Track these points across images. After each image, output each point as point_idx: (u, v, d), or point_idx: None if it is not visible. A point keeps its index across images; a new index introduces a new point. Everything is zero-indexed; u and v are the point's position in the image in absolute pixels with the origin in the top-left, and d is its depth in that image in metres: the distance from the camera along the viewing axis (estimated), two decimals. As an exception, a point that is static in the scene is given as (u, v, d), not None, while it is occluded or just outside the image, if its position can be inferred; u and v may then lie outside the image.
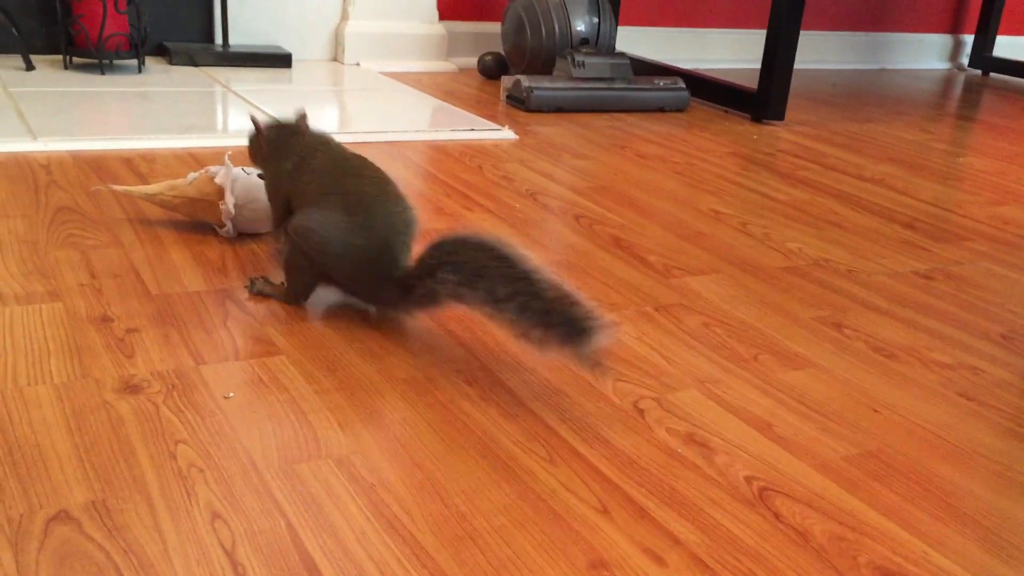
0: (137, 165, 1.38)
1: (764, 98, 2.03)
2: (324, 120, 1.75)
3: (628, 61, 2.08)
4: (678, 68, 2.32)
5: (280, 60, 2.15)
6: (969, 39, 3.28)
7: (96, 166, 1.35)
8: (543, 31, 2.14)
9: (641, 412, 0.84)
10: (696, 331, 1.01)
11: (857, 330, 1.05)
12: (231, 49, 2.13)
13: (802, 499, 0.73)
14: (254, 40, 2.22)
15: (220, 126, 1.63)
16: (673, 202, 1.45)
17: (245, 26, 2.20)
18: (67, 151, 1.41)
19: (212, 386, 0.81)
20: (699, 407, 0.85)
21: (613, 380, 0.89)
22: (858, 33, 3.07)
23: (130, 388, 0.79)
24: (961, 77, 3.13)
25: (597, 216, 1.35)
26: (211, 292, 0.99)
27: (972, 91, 2.89)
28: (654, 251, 1.23)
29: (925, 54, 3.23)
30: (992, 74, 3.18)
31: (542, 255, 1.18)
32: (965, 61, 3.29)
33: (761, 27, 2.84)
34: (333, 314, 0.97)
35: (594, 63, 2.04)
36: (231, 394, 0.80)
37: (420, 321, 0.97)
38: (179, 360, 0.85)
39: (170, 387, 0.80)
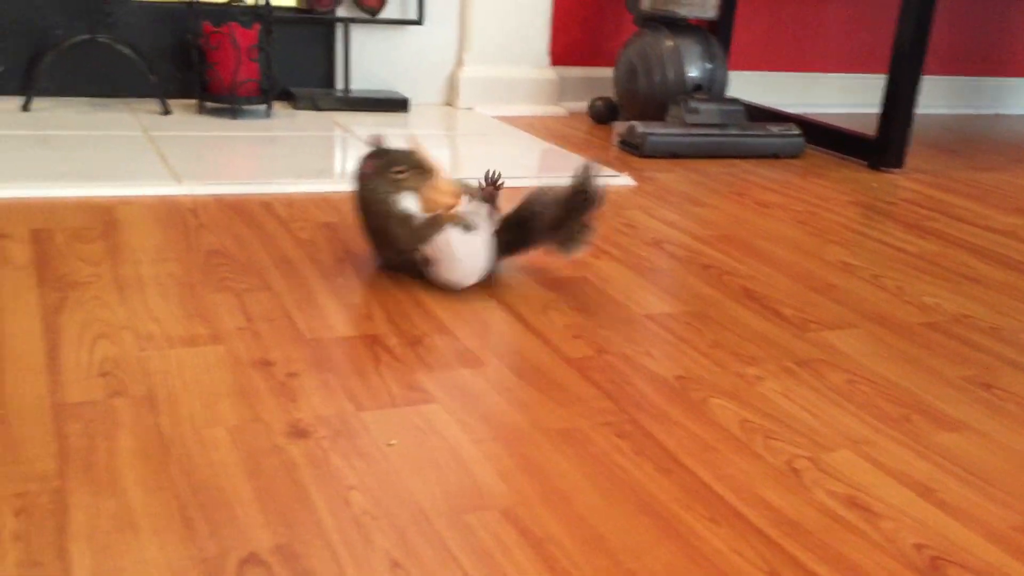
0: (276, 209, 1.43)
1: (883, 145, 2.00)
2: (443, 164, 1.79)
3: (742, 107, 2.08)
4: (792, 114, 2.30)
5: (398, 104, 2.21)
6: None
7: (238, 209, 1.41)
8: (656, 77, 2.15)
9: (796, 472, 0.83)
10: (841, 388, 1.00)
11: (1008, 391, 1.02)
12: (351, 94, 2.20)
13: (977, 570, 0.71)
14: (373, 85, 2.29)
15: (347, 170, 1.68)
16: (799, 252, 1.44)
17: (364, 71, 2.28)
18: (210, 195, 1.47)
19: (374, 432, 0.83)
20: (855, 469, 0.84)
21: (764, 437, 0.88)
22: (971, 77, 3.01)
23: (298, 432, 0.82)
24: (1080, 122, 3.03)
25: (725, 266, 1.35)
26: (360, 338, 1.02)
27: (1094, 137, 2.80)
28: (787, 303, 1.22)
29: (1042, 98, 3.14)
30: (1114, 119, 3.07)
31: (674, 305, 1.19)
32: (1084, 105, 3.19)
33: (871, 71, 2.81)
34: (477, 362, 0.99)
35: (708, 109, 2.04)
36: (394, 441, 0.82)
37: (564, 371, 0.98)
38: (340, 405, 0.87)
39: (335, 432, 0.83)
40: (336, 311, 1.08)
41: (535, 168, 1.80)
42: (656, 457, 0.83)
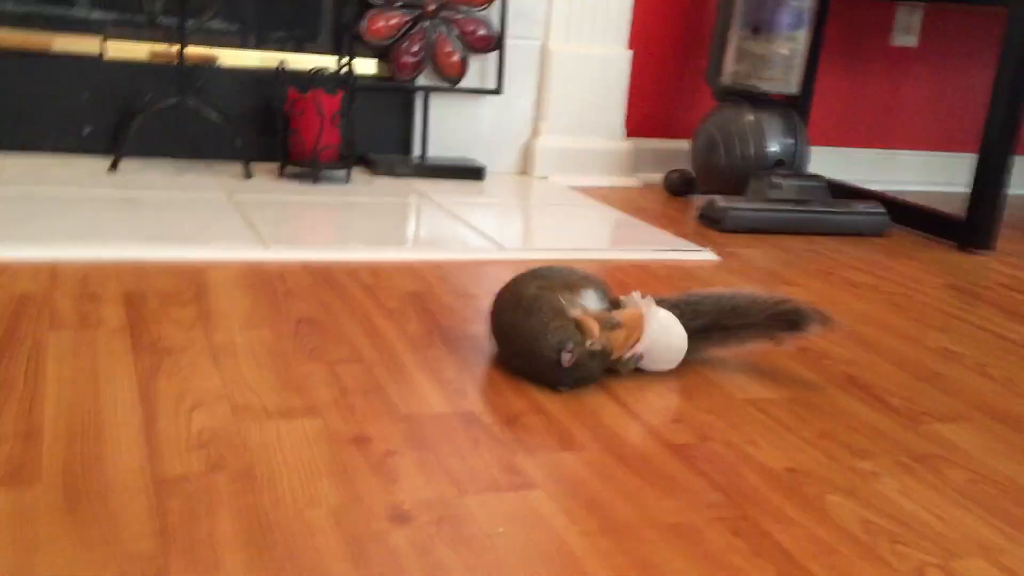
0: (362, 277, 1.42)
1: (973, 226, 1.95)
2: (515, 234, 1.77)
3: (824, 183, 2.04)
4: (874, 191, 2.26)
5: (473, 172, 2.21)
6: None
7: (325, 277, 1.41)
8: (736, 151, 2.13)
9: (929, 581, 0.77)
10: (963, 488, 0.94)
11: None
12: (428, 161, 2.21)
13: None
14: (449, 152, 2.31)
15: (432, 237, 1.67)
16: (898, 337, 1.39)
17: (441, 139, 2.29)
18: (297, 260, 1.47)
19: (479, 519, 0.80)
20: (993, 580, 0.78)
21: (889, 541, 0.83)
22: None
23: (401, 516, 0.79)
24: None
25: (822, 350, 1.30)
26: (456, 415, 0.99)
27: None
28: (894, 392, 1.17)
29: None
30: None
31: (775, 391, 1.14)
32: None
33: (951, 149, 2.76)
34: (577, 445, 0.95)
35: (790, 185, 2.01)
36: (501, 530, 0.79)
37: (667, 458, 0.94)
38: (441, 488, 0.84)
39: (439, 518, 0.79)
40: (429, 386, 1.06)
41: (611, 239, 1.78)
42: (776, 559, 0.78)
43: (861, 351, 1.31)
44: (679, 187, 2.32)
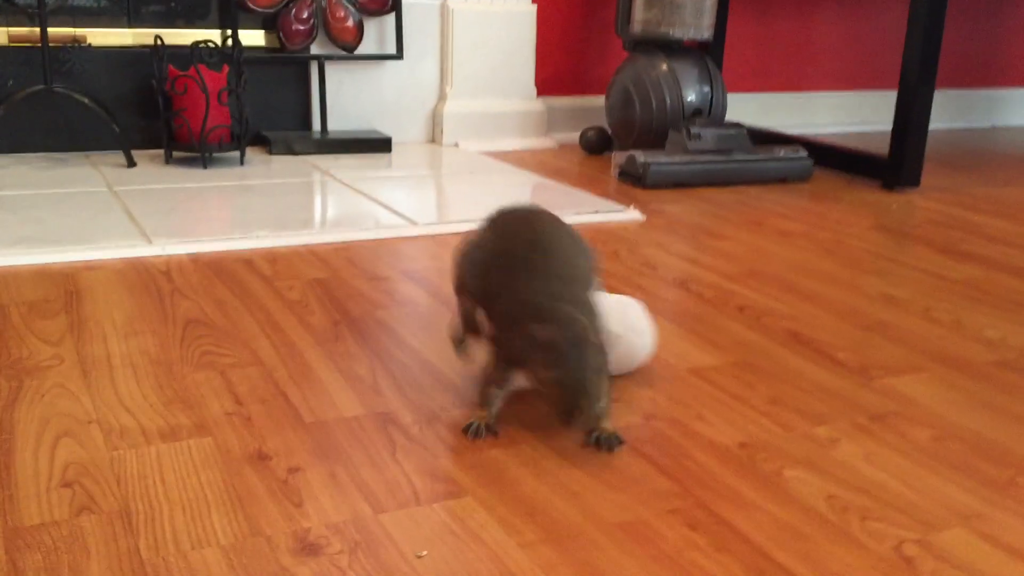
0: (259, 267, 1.29)
1: (898, 164, 1.90)
2: (428, 208, 1.66)
3: (745, 131, 1.96)
4: (796, 136, 2.20)
5: (379, 144, 2.08)
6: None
7: (218, 269, 1.27)
8: (653, 104, 2.04)
9: (909, 561, 0.69)
10: (929, 448, 0.86)
11: (1113, 439, 0.89)
12: (330, 136, 2.07)
13: None
14: (352, 125, 2.16)
15: (332, 218, 1.54)
16: (836, 286, 1.32)
17: (343, 111, 2.14)
18: (185, 254, 1.33)
19: (399, 541, 0.69)
20: (977, 554, 0.71)
21: (859, 518, 0.75)
22: (965, 90, 2.93)
23: (308, 548, 0.67)
24: (1076, 130, 2.96)
25: (761, 306, 1.22)
26: (370, 417, 0.88)
27: (1095, 145, 2.72)
28: (840, 346, 1.10)
29: (1036, 108, 3.07)
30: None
31: (717, 356, 1.05)
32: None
33: (871, 87, 2.72)
34: (508, 439, 0.84)
35: (711, 135, 1.93)
36: (424, 552, 0.68)
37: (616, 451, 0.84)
38: (354, 507, 0.73)
39: (353, 545, 0.68)
40: (338, 385, 0.94)
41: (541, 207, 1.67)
42: (740, 552, 0.69)
43: (801, 304, 1.24)
44: (596, 145, 2.22)
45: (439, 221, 1.55)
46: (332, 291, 1.20)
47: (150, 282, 1.21)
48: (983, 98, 2.97)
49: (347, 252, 1.38)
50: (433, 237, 1.48)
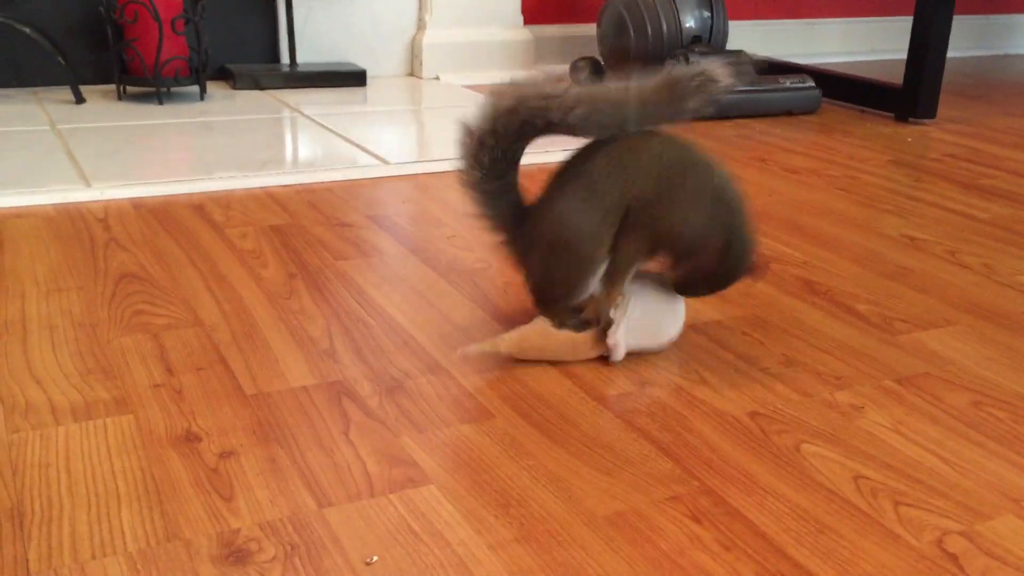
0: (210, 212, 1.16)
1: (913, 94, 1.76)
2: (403, 146, 1.52)
3: (748, 59, 1.82)
4: (803, 65, 2.05)
5: (353, 78, 1.93)
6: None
7: (162, 216, 1.13)
8: (649, 30, 1.88)
9: (954, 558, 0.58)
10: (968, 415, 0.75)
11: None
12: (299, 69, 1.91)
13: None
14: (324, 57, 2.00)
15: (297, 159, 1.40)
16: (852, 228, 1.19)
17: (313, 42, 1.99)
18: (127, 198, 1.19)
19: (346, 544, 0.57)
20: (1036, 548, 0.59)
21: (892, 503, 0.63)
22: (976, 16, 2.76)
23: (235, 555, 0.56)
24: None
25: (772, 251, 1.10)
26: (322, 387, 0.76)
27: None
28: (860, 297, 0.98)
29: (1052, 35, 2.90)
30: None
31: (723, 310, 0.93)
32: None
33: (880, 14, 2.56)
34: (482, 412, 0.73)
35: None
36: (374, 558, 0.56)
37: (600, 417, 0.72)
38: (295, 501, 0.61)
39: (289, 549, 0.57)
40: (287, 349, 0.82)
41: (519, 143, 1.53)
42: (755, 551, 0.58)
43: (814, 249, 1.11)
44: (588, 77, 2.07)
45: (414, 160, 1.41)
46: (289, 239, 1.08)
47: (84, 231, 1.08)
48: (995, 24, 2.81)
49: (310, 195, 1.24)
50: (407, 178, 1.35)
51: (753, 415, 0.74)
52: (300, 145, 1.49)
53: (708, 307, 0.94)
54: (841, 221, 1.21)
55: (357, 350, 0.82)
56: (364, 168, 1.36)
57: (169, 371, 0.77)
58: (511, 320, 0.88)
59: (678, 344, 0.85)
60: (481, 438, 0.69)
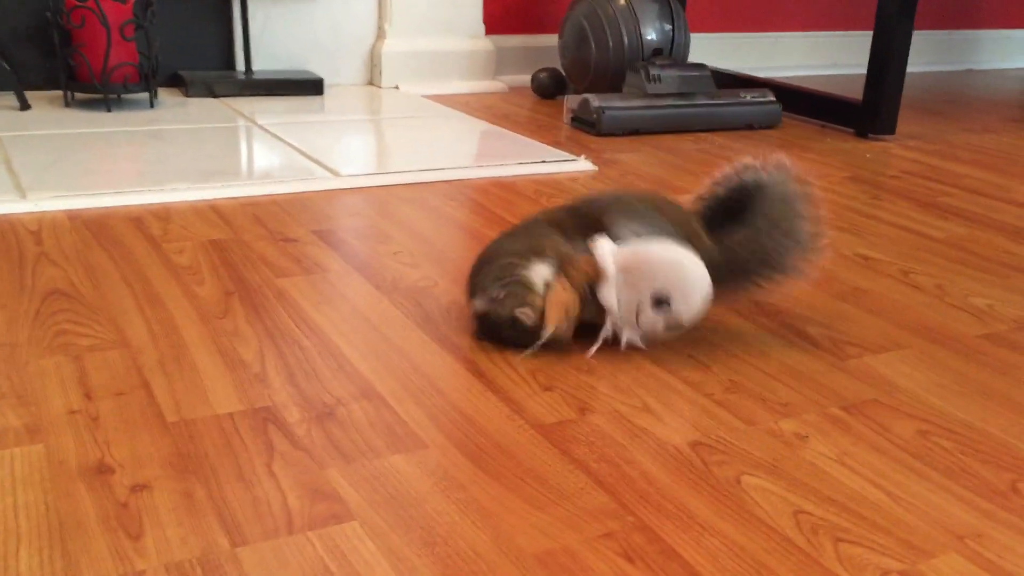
0: (148, 225, 1.12)
1: (873, 110, 1.75)
2: (357, 157, 1.49)
3: (709, 73, 1.81)
4: (764, 79, 2.04)
5: (310, 86, 1.89)
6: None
7: (98, 230, 1.10)
8: (610, 42, 1.87)
9: (894, 601, 0.56)
10: (914, 445, 0.73)
11: (1124, 431, 0.77)
12: (255, 76, 1.88)
13: None
14: (281, 65, 1.97)
15: (248, 169, 1.37)
16: (807, 246, 1.18)
17: (270, 49, 1.95)
18: (64, 210, 1.15)
19: (258, 587, 0.54)
20: (977, 588, 0.58)
21: (833, 540, 0.61)
22: (939, 31, 2.78)
23: (136, 600, 0.53)
24: (1053, 75, 2.84)
25: (722, 270, 1.08)
26: (248, 413, 0.72)
27: (1073, 91, 2.60)
28: (810, 318, 0.96)
29: (1013, 52, 2.93)
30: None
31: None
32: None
33: (840, 28, 2.57)
34: (415, 441, 0.70)
35: (672, 76, 1.77)
36: (287, 603, 0.53)
37: (536, 447, 0.70)
38: (207, 539, 0.58)
39: (196, 595, 0.53)
40: (216, 373, 0.78)
41: (471, 155, 1.51)
42: (687, 592, 0.56)
43: (767, 268, 1.10)
44: (549, 88, 2.05)
45: (368, 172, 1.39)
46: (229, 255, 1.04)
47: (14, 245, 1.04)
48: (958, 40, 2.83)
49: (255, 209, 1.21)
50: (358, 191, 1.32)
51: (695, 445, 0.72)
52: (250, 156, 1.45)
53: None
54: (796, 239, 1.20)
55: (289, 374, 0.79)
56: (314, 180, 1.33)
57: (88, 396, 0.74)
58: (453, 343, 0.86)
59: (622, 366, 0.83)
60: (412, 469, 0.67)
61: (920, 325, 0.96)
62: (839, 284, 1.06)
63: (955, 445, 0.73)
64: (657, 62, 1.80)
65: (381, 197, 1.29)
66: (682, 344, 0.88)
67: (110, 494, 0.62)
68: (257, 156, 1.45)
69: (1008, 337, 0.94)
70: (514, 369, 0.82)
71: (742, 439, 0.73)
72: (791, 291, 1.02)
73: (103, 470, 0.64)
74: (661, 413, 0.76)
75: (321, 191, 1.31)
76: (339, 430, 0.71)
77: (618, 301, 0.83)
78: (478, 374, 0.81)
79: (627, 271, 0.83)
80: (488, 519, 0.62)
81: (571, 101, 1.78)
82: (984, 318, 0.98)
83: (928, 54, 2.77)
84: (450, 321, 0.91)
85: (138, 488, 0.63)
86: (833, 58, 2.58)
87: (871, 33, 1.77)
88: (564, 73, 2.04)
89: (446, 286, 0.99)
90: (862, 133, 1.80)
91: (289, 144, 1.51)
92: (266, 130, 1.60)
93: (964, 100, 2.33)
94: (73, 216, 1.14)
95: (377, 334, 0.87)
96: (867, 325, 0.95)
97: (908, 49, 1.72)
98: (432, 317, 0.92)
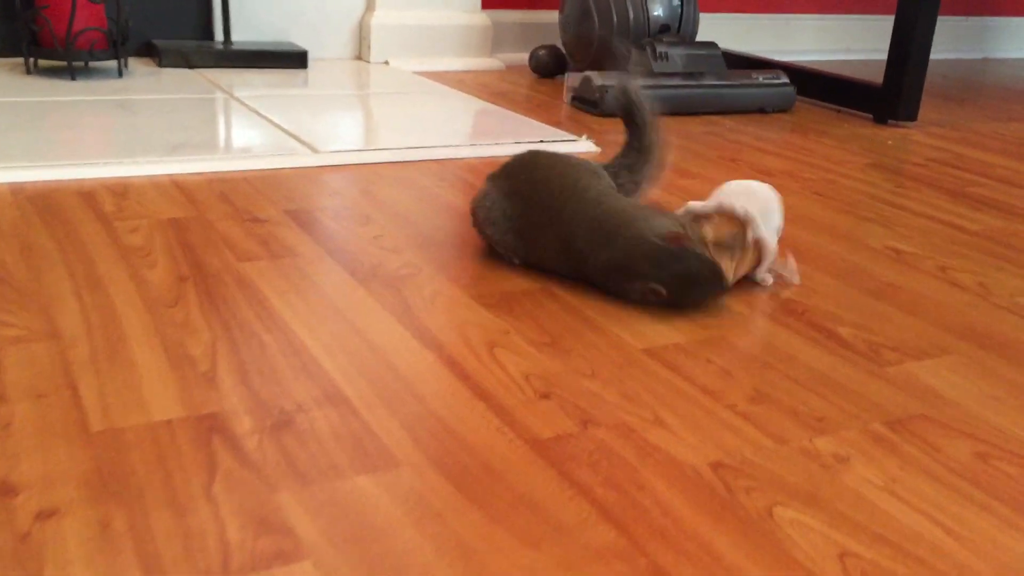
0: (100, 201, 1.01)
1: (893, 95, 1.64)
2: (338, 133, 1.37)
3: (719, 52, 1.69)
4: (777, 61, 1.93)
5: (293, 59, 1.78)
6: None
7: (44, 204, 0.98)
8: (614, 18, 1.75)
9: (970, 674, 0.45)
10: (972, 470, 0.62)
11: None
12: (234, 47, 1.76)
13: None
14: (262, 36, 1.85)
15: (219, 143, 1.26)
16: (833, 237, 1.07)
17: (251, 19, 1.83)
18: (6, 183, 1.04)
19: (178, 649, 0.43)
20: (1070, 658, 0.47)
21: (888, 592, 0.51)
22: (958, 18, 2.67)
23: (20, 667, 0.42)
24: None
25: (739, 262, 0.97)
26: (190, 421, 0.61)
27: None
28: (843, 319, 0.85)
29: (1030, 40, 2.82)
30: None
31: (684, 331, 0.80)
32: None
33: (858, 11, 2.46)
34: (386, 458, 0.59)
35: (679, 55, 1.65)
36: (213, 672, 0.42)
37: (530, 468, 0.59)
38: (123, 583, 0.47)
39: (98, 659, 0.42)
40: (157, 372, 0.67)
41: (465, 134, 1.40)
42: (715, 660, 0.45)
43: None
44: (549, 66, 1.94)
45: (350, 148, 1.27)
46: (188, 236, 0.93)
47: (-56, 220, 0.92)
48: (975, 27, 2.72)
49: (222, 185, 1.10)
50: (339, 168, 1.20)
51: (716, 466, 0.61)
52: (221, 129, 1.34)
53: (667, 328, 0.81)
54: (819, 229, 1.09)
55: (243, 374, 0.68)
56: (290, 156, 1.21)
57: (2, 398, 0.62)
58: (435, 339, 0.75)
59: (631, 371, 0.72)
60: (380, 494, 0.56)
61: (965, 328, 0.85)
62: (870, 279, 0.95)
63: (1019, 470, 0.63)
64: (664, 39, 1.69)
65: (364, 175, 1.18)
66: (698, 347, 0.78)
67: (10, 523, 0.51)
68: (230, 130, 1.33)
69: (1064, 343, 0.83)
70: (505, 372, 0.71)
71: (772, 460, 0.62)
72: (819, 287, 0.91)
73: (6, 491, 0.53)
74: (676, 427, 0.65)
75: (298, 168, 1.19)
76: (297, 443, 0.60)
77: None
78: (463, 377, 0.70)
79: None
80: (469, 559, 0.51)
81: (571, 79, 1.67)
82: (1034, 320, 0.87)
83: (943, 42, 2.66)
84: (433, 314, 0.80)
85: (45, 515, 0.51)
86: (846, 43, 2.47)
87: (888, 18, 1.66)
88: (565, 50, 1.92)
89: (430, 273, 0.88)
90: (881, 119, 1.69)
91: (266, 118, 1.39)
92: (243, 103, 1.49)
93: (984, 88, 2.22)
94: (16, 190, 1.02)
95: (349, 328, 0.76)
96: (905, 326, 0.84)
97: (932, 31, 1.61)
98: (413, 309, 0.81)
